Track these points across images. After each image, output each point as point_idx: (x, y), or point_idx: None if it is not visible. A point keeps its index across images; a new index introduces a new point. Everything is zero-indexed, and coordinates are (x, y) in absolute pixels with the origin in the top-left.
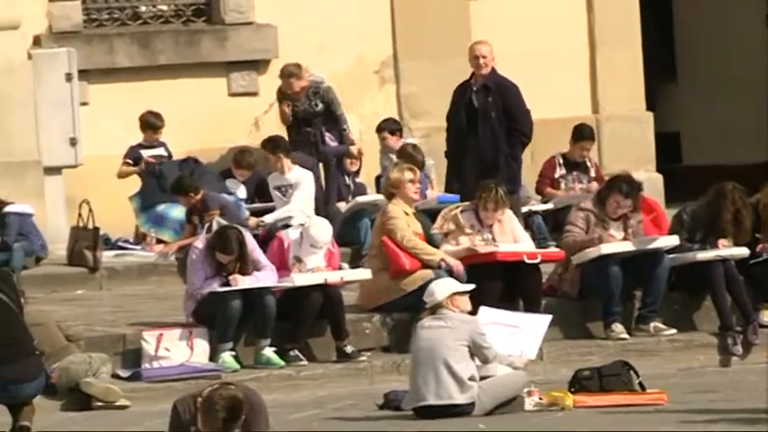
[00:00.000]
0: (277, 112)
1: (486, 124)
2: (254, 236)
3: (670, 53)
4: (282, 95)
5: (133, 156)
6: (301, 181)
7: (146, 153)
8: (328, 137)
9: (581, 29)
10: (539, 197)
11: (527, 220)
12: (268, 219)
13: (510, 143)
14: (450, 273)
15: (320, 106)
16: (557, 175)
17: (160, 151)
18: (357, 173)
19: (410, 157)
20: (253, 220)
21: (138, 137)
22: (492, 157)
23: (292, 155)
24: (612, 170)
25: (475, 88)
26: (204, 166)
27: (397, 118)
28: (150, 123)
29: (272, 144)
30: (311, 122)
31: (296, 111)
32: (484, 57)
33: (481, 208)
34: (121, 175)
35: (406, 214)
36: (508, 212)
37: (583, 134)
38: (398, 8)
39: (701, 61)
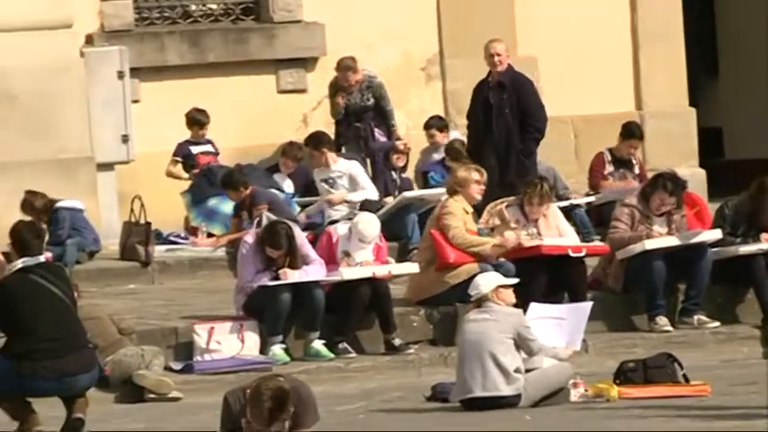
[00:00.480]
0: (325, 108)
1: (501, 121)
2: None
3: (712, 49)
4: (336, 88)
5: (182, 153)
6: (355, 169)
7: (195, 149)
8: (378, 132)
9: (624, 26)
10: (578, 191)
11: (569, 214)
12: (353, 197)
13: (523, 138)
14: (498, 267)
15: (372, 101)
16: (606, 172)
17: (207, 148)
18: (404, 168)
19: (458, 152)
20: (337, 196)
21: (188, 134)
22: (505, 152)
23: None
24: (656, 165)
25: (491, 85)
26: (252, 165)
27: (443, 114)
28: (196, 120)
29: (314, 140)
30: (361, 117)
31: (347, 104)
32: (498, 54)
33: (526, 203)
34: (169, 175)
35: (466, 212)
36: (553, 207)
37: (633, 133)
38: (444, 6)
39: (743, 57)
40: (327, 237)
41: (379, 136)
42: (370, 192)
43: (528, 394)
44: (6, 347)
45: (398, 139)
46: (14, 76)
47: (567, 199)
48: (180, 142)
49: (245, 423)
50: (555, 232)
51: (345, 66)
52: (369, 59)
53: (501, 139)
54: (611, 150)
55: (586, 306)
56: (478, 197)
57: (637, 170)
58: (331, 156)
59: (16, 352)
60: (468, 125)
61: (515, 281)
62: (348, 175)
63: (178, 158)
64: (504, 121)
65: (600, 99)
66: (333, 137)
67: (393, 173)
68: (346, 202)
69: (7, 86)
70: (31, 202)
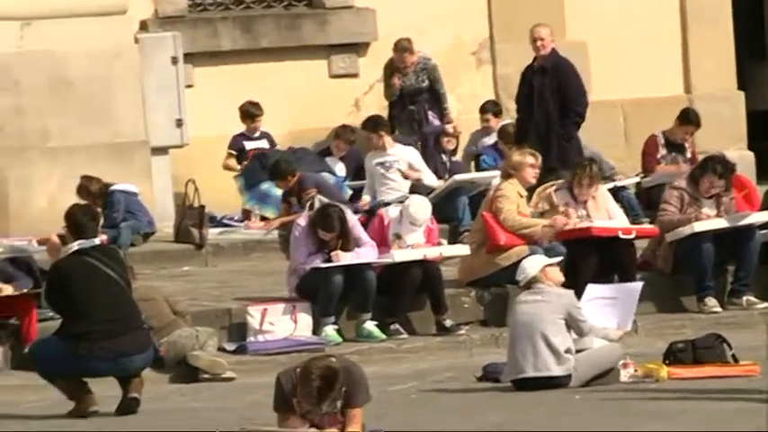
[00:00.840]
0: (377, 92)
1: (542, 105)
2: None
3: (760, 32)
4: (392, 70)
5: (236, 146)
6: (413, 155)
7: (248, 145)
8: (431, 115)
9: (673, 9)
10: (626, 174)
11: (617, 196)
12: (425, 179)
13: (563, 123)
14: (548, 250)
15: (426, 83)
16: (659, 155)
17: (263, 143)
18: (454, 152)
19: (510, 136)
20: (413, 174)
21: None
22: (546, 136)
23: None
24: (705, 148)
25: (534, 70)
26: (305, 149)
27: (494, 99)
28: (249, 113)
29: (372, 123)
30: (415, 100)
31: (402, 86)
32: (542, 39)
33: (576, 184)
34: (226, 168)
35: (520, 196)
36: (602, 189)
37: (690, 119)
38: None
39: None
40: (379, 219)
41: (433, 119)
42: (433, 178)
43: (578, 374)
44: (62, 329)
45: (450, 122)
46: (70, 62)
47: (613, 180)
48: (235, 135)
49: (296, 402)
50: (604, 214)
51: (402, 47)
52: (419, 44)
53: (541, 123)
54: (664, 134)
55: (637, 287)
56: (533, 180)
57: (689, 154)
58: (388, 140)
59: (73, 333)
60: (516, 109)
61: (560, 259)
62: (406, 162)
63: (233, 152)
64: (545, 105)
65: (649, 83)
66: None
67: (443, 156)
68: (418, 180)
69: (63, 72)
70: (86, 186)
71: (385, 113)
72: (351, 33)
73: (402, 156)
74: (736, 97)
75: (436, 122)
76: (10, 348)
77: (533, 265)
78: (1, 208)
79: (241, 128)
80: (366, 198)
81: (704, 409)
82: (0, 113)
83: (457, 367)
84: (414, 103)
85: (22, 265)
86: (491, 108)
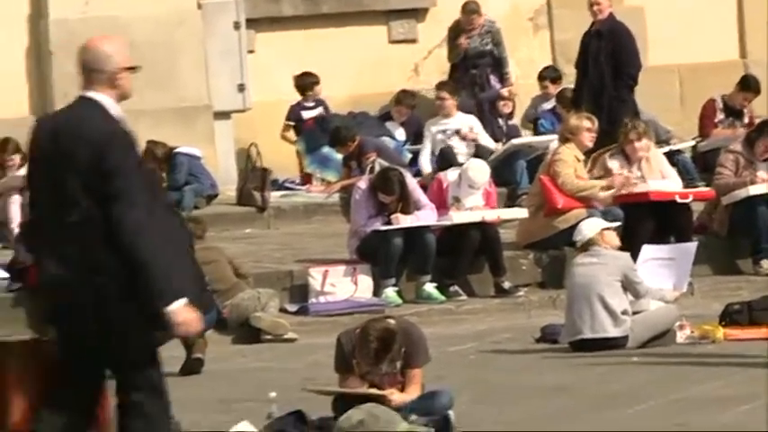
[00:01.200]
0: (435, 58)
1: (597, 68)
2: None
3: None
4: (457, 32)
5: (294, 117)
6: (473, 122)
7: (305, 114)
8: (493, 79)
9: None
10: (682, 138)
11: (672, 159)
12: (482, 141)
13: (616, 85)
14: (606, 214)
15: (489, 46)
16: (716, 120)
17: (319, 111)
18: (510, 115)
19: (568, 100)
20: (470, 135)
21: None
22: (599, 98)
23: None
24: (759, 113)
25: (591, 34)
26: (365, 113)
27: (551, 64)
28: (304, 84)
29: (449, 87)
30: (477, 63)
31: (467, 47)
32: (598, 4)
33: (626, 143)
34: (283, 139)
35: (577, 160)
36: (655, 150)
37: (750, 85)
38: None
39: None
40: (438, 183)
41: (495, 83)
42: (490, 141)
43: (635, 336)
44: None
45: (509, 85)
46: (135, 28)
47: (668, 144)
48: (292, 105)
49: (355, 363)
50: (658, 175)
51: (471, 9)
52: None
53: (595, 87)
54: (723, 98)
55: (692, 246)
56: (590, 144)
57: (746, 120)
58: (454, 107)
59: None
60: (576, 74)
61: (617, 224)
62: (468, 128)
63: (291, 123)
64: (599, 67)
65: (705, 48)
66: None
67: (500, 120)
68: (474, 140)
69: (128, 37)
70: (152, 150)
71: (444, 78)
72: None
73: (462, 124)
74: None
75: (498, 86)
76: None
77: (591, 227)
78: None
79: (299, 97)
80: (426, 168)
81: (758, 371)
82: (66, 79)
83: (515, 328)
84: (476, 66)
85: None
86: (549, 75)
